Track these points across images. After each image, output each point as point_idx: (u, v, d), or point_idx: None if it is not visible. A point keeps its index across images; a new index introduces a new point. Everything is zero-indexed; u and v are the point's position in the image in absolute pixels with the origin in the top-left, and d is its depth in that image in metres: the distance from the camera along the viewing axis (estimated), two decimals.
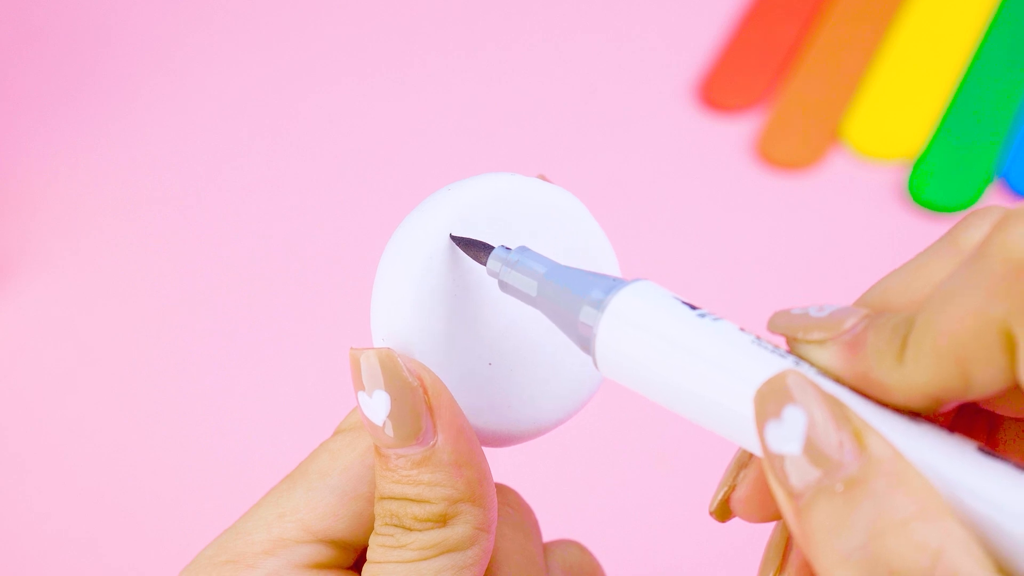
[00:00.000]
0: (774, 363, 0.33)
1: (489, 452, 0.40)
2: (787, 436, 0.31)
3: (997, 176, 0.78)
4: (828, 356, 0.33)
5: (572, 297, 0.36)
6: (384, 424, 0.38)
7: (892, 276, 0.34)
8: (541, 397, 0.41)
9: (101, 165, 0.81)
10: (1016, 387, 0.31)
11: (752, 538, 0.63)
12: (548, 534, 0.44)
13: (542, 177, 0.41)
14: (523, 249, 0.38)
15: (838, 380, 0.32)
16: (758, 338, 0.34)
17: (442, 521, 0.38)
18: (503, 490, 0.42)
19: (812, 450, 0.31)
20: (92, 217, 0.79)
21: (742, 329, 0.34)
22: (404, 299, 0.39)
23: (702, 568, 0.64)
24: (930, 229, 0.76)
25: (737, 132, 0.81)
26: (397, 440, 0.38)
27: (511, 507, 0.41)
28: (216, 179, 0.81)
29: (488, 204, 0.40)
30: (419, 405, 0.38)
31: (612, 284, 0.35)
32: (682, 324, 0.34)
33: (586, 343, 0.36)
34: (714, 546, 0.64)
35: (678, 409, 0.34)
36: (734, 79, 0.83)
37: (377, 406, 0.38)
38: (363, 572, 0.39)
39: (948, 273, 0.32)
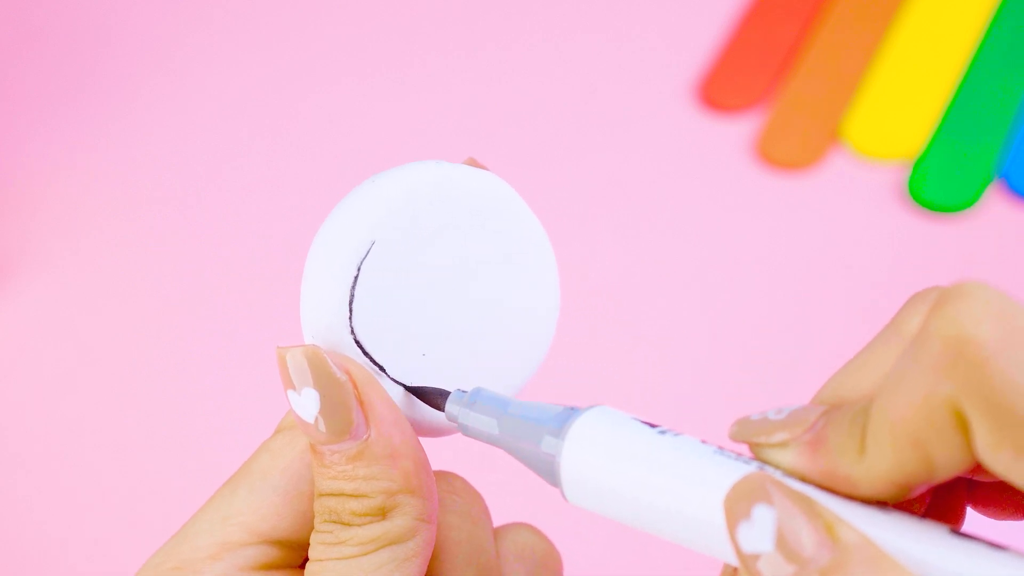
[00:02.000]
0: (740, 470, 0.33)
1: (444, 439, 0.40)
2: (759, 535, 0.31)
3: (997, 176, 0.78)
4: (791, 457, 0.33)
5: (532, 429, 0.36)
6: (316, 421, 0.37)
7: (843, 370, 0.34)
8: (477, 385, 0.41)
9: (101, 165, 0.81)
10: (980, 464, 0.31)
11: None
12: (502, 519, 0.44)
13: (472, 161, 0.41)
14: (479, 390, 0.38)
15: (804, 480, 0.33)
16: (720, 448, 0.34)
17: (381, 514, 0.38)
18: (448, 477, 0.41)
19: (784, 546, 0.31)
20: (92, 217, 0.79)
21: (703, 441, 0.34)
22: (331, 295, 0.38)
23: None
24: (930, 229, 0.76)
25: (737, 132, 0.81)
26: (330, 436, 0.37)
27: (457, 494, 0.41)
28: (216, 179, 0.81)
29: (413, 194, 0.39)
30: (348, 399, 0.37)
31: (571, 412, 0.36)
32: (643, 443, 0.34)
33: (552, 474, 0.36)
34: None
35: (651, 528, 0.34)
36: (734, 79, 0.83)
37: (307, 403, 0.37)
38: (305, 571, 0.38)
39: (896, 360, 0.32)
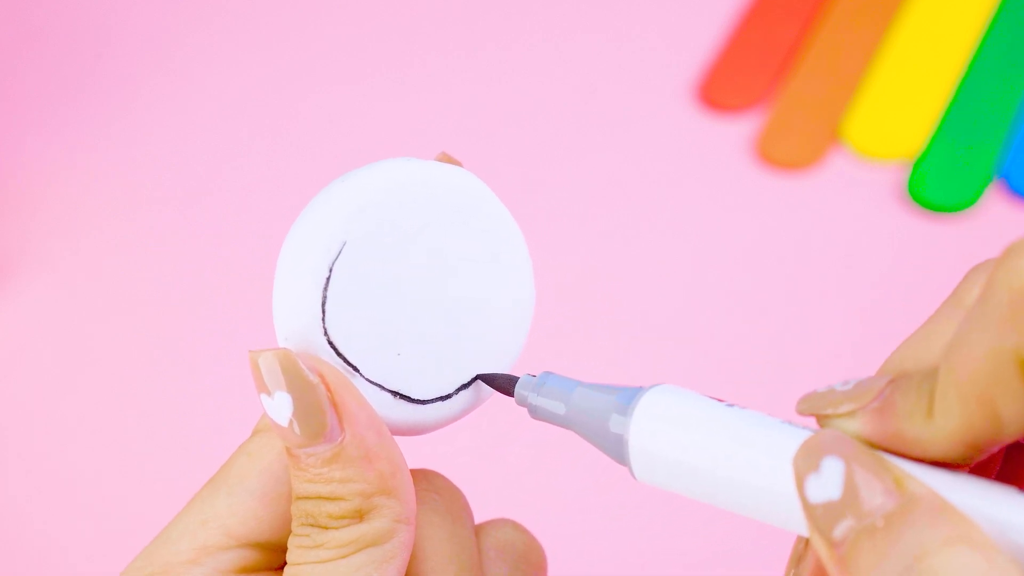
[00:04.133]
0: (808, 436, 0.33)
1: (428, 435, 0.40)
2: (826, 484, 0.32)
3: (997, 176, 0.77)
4: (859, 425, 0.33)
5: (599, 409, 0.37)
6: (290, 424, 0.37)
7: (905, 343, 0.34)
8: (452, 384, 0.40)
9: (101, 165, 0.81)
10: None
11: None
12: (487, 516, 0.44)
13: (445, 155, 0.41)
14: (547, 374, 0.39)
15: (873, 446, 0.33)
16: (787, 421, 0.34)
17: (358, 516, 0.37)
18: (428, 475, 0.41)
19: (851, 494, 0.31)
20: (92, 217, 0.79)
21: (769, 416, 0.35)
22: (303, 297, 0.38)
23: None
24: (930, 229, 0.76)
25: (737, 132, 0.81)
26: (304, 439, 0.37)
27: (437, 491, 0.41)
28: (216, 179, 0.81)
29: (382, 192, 0.39)
30: (322, 402, 0.37)
31: (637, 391, 0.36)
32: (710, 415, 0.35)
33: (620, 452, 0.36)
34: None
35: (719, 501, 0.35)
36: (734, 79, 0.83)
37: (280, 407, 0.37)
38: (284, 575, 0.38)
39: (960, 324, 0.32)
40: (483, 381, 0.40)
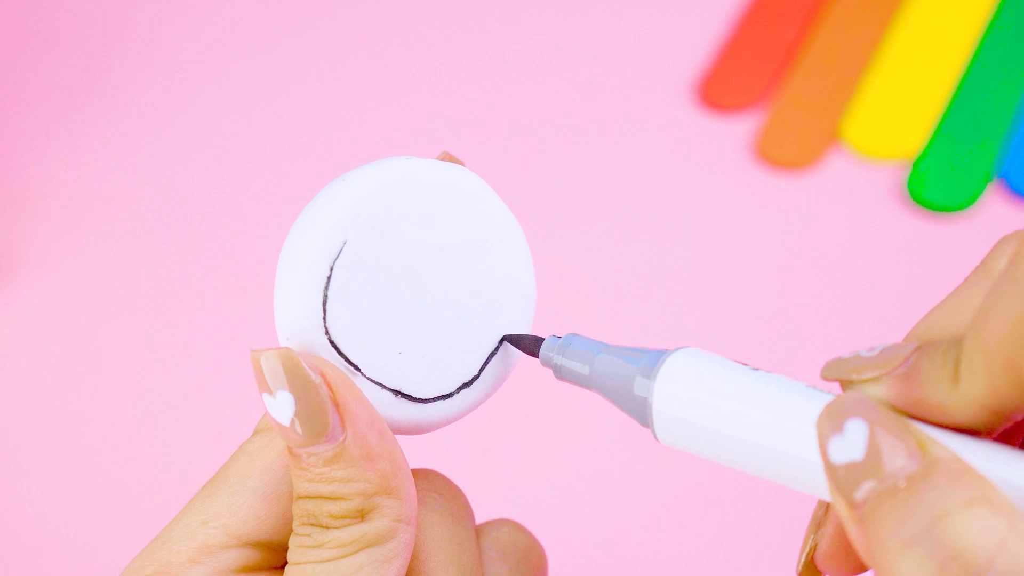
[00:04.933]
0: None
1: (430, 434, 0.40)
2: (849, 446, 0.32)
3: (996, 176, 0.78)
4: (884, 390, 0.33)
5: (623, 372, 0.37)
6: (291, 424, 0.37)
7: (933, 312, 0.34)
8: (454, 383, 0.41)
9: (102, 166, 0.81)
10: None
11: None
12: (487, 516, 0.44)
13: (446, 155, 0.41)
14: (572, 335, 0.39)
15: (897, 411, 0.33)
16: (812, 386, 0.34)
17: (359, 516, 0.38)
18: (429, 475, 0.41)
19: (874, 455, 0.31)
20: (93, 218, 0.79)
21: (793, 380, 0.35)
22: (304, 297, 0.38)
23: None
24: (929, 229, 0.76)
25: (736, 132, 0.81)
26: (306, 439, 0.37)
27: (437, 491, 0.41)
28: (216, 179, 0.81)
29: (383, 191, 0.39)
30: (324, 402, 0.37)
31: (661, 353, 0.36)
32: (734, 378, 0.35)
33: (643, 415, 0.36)
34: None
35: (742, 464, 0.35)
36: (733, 79, 0.83)
37: (282, 406, 0.37)
38: (284, 574, 0.38)
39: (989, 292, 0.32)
40: (509, 342, 0.40)
